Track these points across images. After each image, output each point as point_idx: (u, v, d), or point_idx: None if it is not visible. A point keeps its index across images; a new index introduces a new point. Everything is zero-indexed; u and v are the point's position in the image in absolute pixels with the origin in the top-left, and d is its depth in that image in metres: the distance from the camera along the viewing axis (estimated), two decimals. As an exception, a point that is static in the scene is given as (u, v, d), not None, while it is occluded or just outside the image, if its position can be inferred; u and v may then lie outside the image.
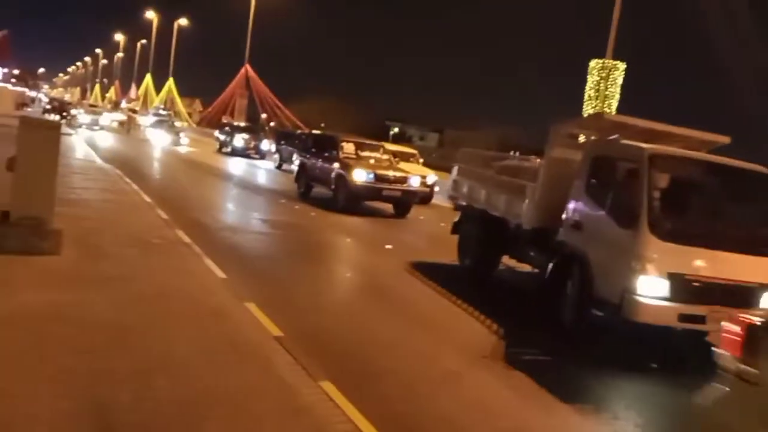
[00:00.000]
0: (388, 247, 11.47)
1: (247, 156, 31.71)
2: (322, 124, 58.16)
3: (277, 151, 28.31)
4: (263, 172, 26.08)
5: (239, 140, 32.04)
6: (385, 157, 17.09)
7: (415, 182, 15.88)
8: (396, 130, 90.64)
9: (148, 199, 12.37)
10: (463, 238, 9.98)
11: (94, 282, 6.07)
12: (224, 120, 47.22)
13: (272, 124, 57.35)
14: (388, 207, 15.98)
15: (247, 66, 57.24)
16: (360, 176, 14.94)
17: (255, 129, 36.32)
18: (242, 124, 38.19)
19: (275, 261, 9.22)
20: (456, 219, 10.40)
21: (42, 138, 6.58)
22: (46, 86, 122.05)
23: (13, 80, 60.85)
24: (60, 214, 7.59)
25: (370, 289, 8.25)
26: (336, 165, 15.75)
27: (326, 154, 16.55)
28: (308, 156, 17.66)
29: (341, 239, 12.37)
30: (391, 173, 15.56)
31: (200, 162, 26.65)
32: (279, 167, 27.69)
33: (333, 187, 15.72)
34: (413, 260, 10.67)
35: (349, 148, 16.50)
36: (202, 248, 8.45)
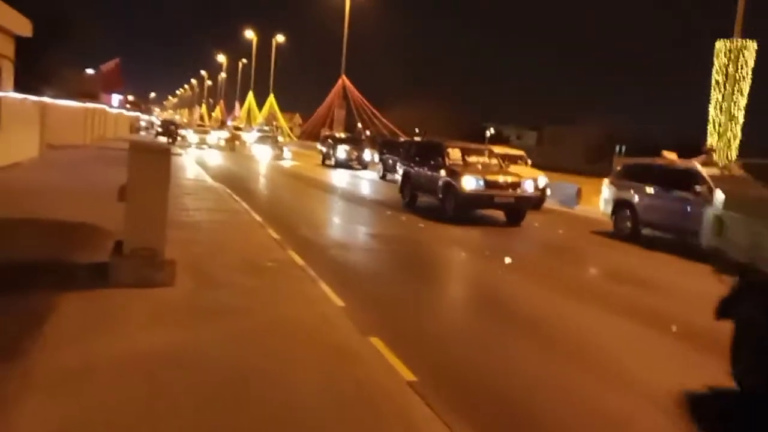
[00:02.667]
0: (508, 260, 10.56)
1: (350, 167, 31.66)
2: (417, 130, 57.55)
3: (381, 161, 27.97)
4: (367, 183, 25.80)
5: (341, 152, 32.08)
6: (494, 161, 16.12)
7: (529, 187, 14.81)
8: (492, 130, 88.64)
9: (258, 217, 12.19)
10: (743, 330, 5.18)
11: (209, 316, 5.66)
12: (325, 132, 47.75)
13: (368, 132, 57.43)
14: (499, 214, 15.03)
15: (344, 77, 57.67)
16: (469, 183, 14.09)
17: (357, 140, 36.27)
18: (343, 135, 38.31)
19: (391, 282, 8.57)
20: (727, 291, 5.43)
21: (152, 164, 6.28)
22: (157, 109, 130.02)
23: (128, 106, 64.92)
24: (173, 239, 7.35)
25: (499, 313, 7.38)
26: (442, 173, 14.98)
27: (431, 162, 15.81)
28: (412, 165, 16.97)
29: (455, 253, 11.54)
30: (501, 178, 14.59)
31: (304, 175, 26.78)
32: (383, 177, 27.33)
33: (440, 196, 14.94)
34: (543, 275, 9.72)
35: (455, 154, 15.66)
36: (315, 270, 7.99)
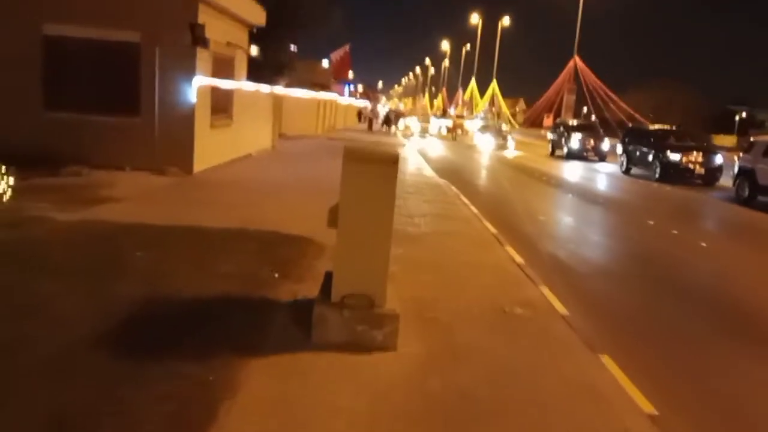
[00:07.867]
0: None
1: (585, 158, 28.19)
2: (650, 115, 51.07)
3: (625, 152, 24.06)
4: (608, 178, 22.30)
5: (575, 141, 28.69)
6: None
7: None
8: (743, 115, 76.73)
9: (491, 227, 10.04)
10: None
11: (450, 429, 3.57)
12: (554, 120, 44.08)
13: (593, 118, 52.19)
14: None
15: (576, 58, 53.02)
16: None
17: (593, 127, 32.31)
18: (576, 122, 34.53)
19: (720, 357, 5.49)
20: None
21: (373, 179, 4.36)
22: (384, 98, 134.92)
23: (358, 96, 67.24)
24: (395, 259, 5.40)
25: None
26: None
27: None
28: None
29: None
30: None
31: (534, 169, 23.99)
32: (626, 171, 23.54)
33: None
34: None
35: None
36: (587, 325, 5.58)
